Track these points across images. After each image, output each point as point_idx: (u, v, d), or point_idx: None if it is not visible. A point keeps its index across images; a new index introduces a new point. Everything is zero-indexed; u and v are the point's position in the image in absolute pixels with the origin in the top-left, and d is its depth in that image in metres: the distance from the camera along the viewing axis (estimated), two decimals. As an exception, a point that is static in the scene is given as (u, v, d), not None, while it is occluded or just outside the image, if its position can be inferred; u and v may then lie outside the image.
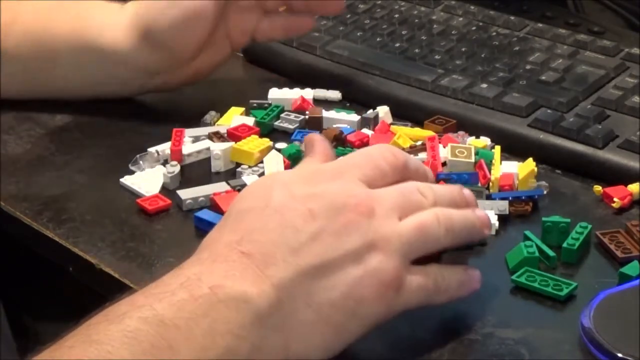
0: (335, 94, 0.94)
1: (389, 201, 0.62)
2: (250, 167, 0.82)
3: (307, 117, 0.89)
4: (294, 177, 0.64)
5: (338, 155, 0.82)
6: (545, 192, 0.79)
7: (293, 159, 0.82)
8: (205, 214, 0.76)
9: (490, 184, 0.79)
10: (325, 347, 0.59)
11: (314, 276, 0.59)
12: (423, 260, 0.63)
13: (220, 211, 0.76)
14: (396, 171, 0.65)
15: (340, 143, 0.84)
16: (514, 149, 0.84)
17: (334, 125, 0.87)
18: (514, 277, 0.69)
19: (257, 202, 0.62)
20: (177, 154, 0.83)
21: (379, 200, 0.62)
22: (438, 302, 0.63)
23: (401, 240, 0.61)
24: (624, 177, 0.79)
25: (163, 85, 0.93)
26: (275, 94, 0.93)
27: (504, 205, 0.76)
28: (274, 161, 0.81)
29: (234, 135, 0.86)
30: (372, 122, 0.87)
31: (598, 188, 0.79)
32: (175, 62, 0.90)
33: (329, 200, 0.61)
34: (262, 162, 0.82)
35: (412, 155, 0.69)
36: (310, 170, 0.64)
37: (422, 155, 0.82)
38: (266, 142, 0.84)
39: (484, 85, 0.90)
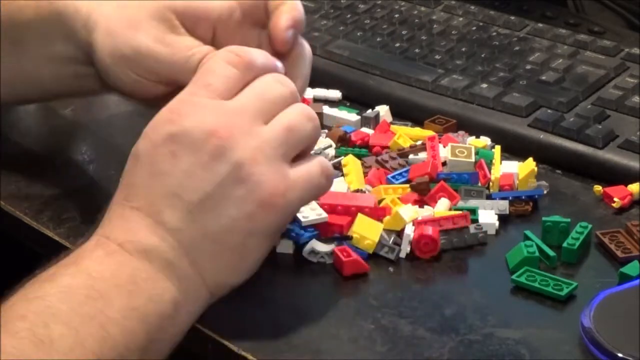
0: (335, 94, 0.94)
1: (248, 110, 0.64)
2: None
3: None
4: (157, 119, 0.64)
5: (340, 155, 0.83)
6: (545, 192, 0.79)
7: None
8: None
9: (490, 183, 0.78)
10: (237, 270, 0.63)
11: (201, 209, 0.61)
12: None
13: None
14: (246, 71, 0.65)
15: (345, 144, 0.84)
16: (514, 149, 0.84)
17: (336, 125, 0.87)
18: (514, 277, 0.69)
19: (130, 163, 0.64)
20: (177, 154, 0.83)
21: (238, 115, 0.63)
22: (327, 189, 0.66)
23: (271, 145, 0.63)
24: (624, 177, 0.79)
25: (136, 89, 0.75)
26: (275, 93, 0.93)
27: (504, 205, 0.76)
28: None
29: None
30: (373, 121, 0.87)
31: (598, 188, 0.79)
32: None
33: (188, 137, 0.62)
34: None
35: (256, 49, 0.68)
36: (176, 102, 0.64)
37: (422, 154, 0.82)
38: None
39: (484, 85, 0.90)
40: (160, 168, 0.62)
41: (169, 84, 0.71)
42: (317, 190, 0.66)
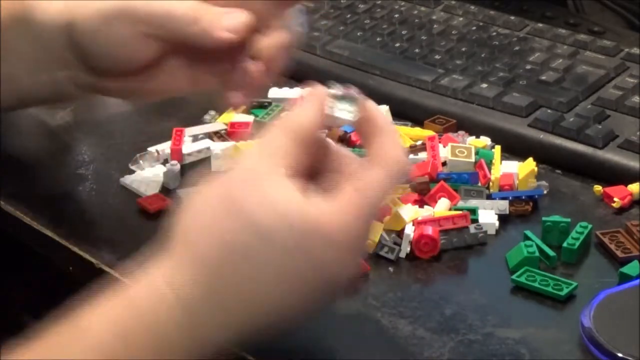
0: (335, 94, 0.93)
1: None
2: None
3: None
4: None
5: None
6: (545, 192, 0.79)
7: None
8: (205, 214, 0.76)
9: (490, 183, 0.78)
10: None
11: None
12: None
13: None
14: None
15: (345, 144, 0.84)
16: (514, 149, 0.84)
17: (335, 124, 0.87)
18: (514, 276, 0.69)
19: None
20: (177, 154, 0.83)
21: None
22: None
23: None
24: (624, 177, 0.79)
25: (110, 88, 0.74)
26: (275, 93, 0.93)
27: (504, 205, 0.76)
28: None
29: (234, 134, 0.86)
30: (372, 122, 0.87)
31: (598, 188, 0.79)
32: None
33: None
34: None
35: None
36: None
37: (422, 155, 0.82)
38: None
39: (484, 85, 0.90)
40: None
41: (167, 40, 0.69)
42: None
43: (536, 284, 0.68)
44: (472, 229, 0.73)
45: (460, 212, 0.74)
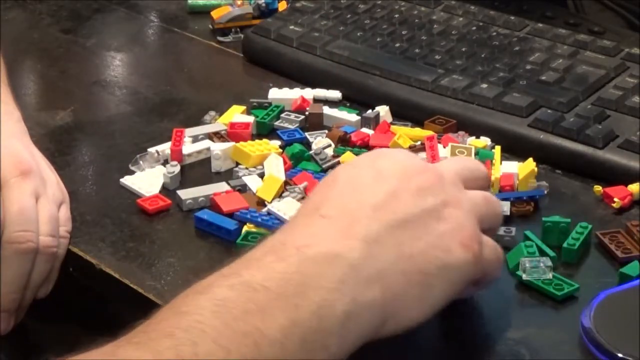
0: (335, 94, 0.94)
1: (454, 170, 0.64)
2: (247, 168, 0.82)
3: (307, 113, 0.89)
4: (360, 157, 0.65)
5: (338, 154, 0.82)
6: (545, 192, 0.79)
7: (295, 159, 0.82)
8: (205, 214, 0.76)
9: (491, 184, 0.78)
10: (418, 305, 0.58)
11: (402, 227, 0.58)
12: None
13: (220, 211, 0.76)
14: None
15: (345, 144, 0.84)
16: (514, 149, 0.84)
17: (336, 125, 0.87)
18: (518, 272, 0.68)
19: (325, 183, 0.62)
20: (177, 154, 0.83)
21: (445, 170, 0.63)
22: (498, 274, 0.64)
23: (472, 202, 0.62)
24: (624, 177, 0.79)
25: None
26: (275, 94, 0.93)
27: (505, 206, 0.76)
28: (274, 164, 0.81)
29: (234, 135, 0.86)
30: (373, 122, 0.87)
31: (598, 188, 0.79)
32: None
33: (398, 166, 0.61)
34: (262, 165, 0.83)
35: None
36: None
37: (422, 155, 0.82)
38: (272, 147, 0.83)
39: (484, 85, 0.90)
40: (364, 185, 0.60)
41: None
42: (499, 264, 0.64)
43: (539, 282, 0.68)
44: (501, 231, 0.73)
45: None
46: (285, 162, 0.82)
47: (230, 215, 0.76)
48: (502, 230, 0.73)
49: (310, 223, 0.58)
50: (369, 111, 0.89)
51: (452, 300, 0.61)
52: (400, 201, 0.59)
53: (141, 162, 0.84)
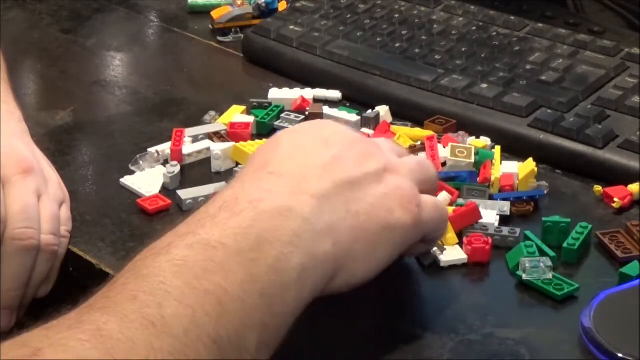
0: (335, 94, 0.94)
1: (387, 145, 0.68)
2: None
3: (307, 113, 0.89)
4: (306, 123, 0.70)
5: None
6: (545, 192, 0.79)
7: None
8: (205, 214, 0.76)
9: (491, 184, 0.79)
10: (365, 263, 0.61)
11: (347, 187, 0.61)
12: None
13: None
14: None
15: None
16: (514, 149, 0.84)
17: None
18: (518, 272, 0.69)
19: (268, 145, 0.64)
20: (177, 154, 0.83)
21: (380, 143, 0.67)
22: (444, 230, 0.69)
23: (407, 167, 0.65)
24: (624, 177, 0.79)
25: None
26: (275, 94, 0.93)
27: (505, 206, 0.76)
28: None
29: (234, 135, 0.86)
30: (373, 122, 0.87)
31: (598, 188, 0.79)
32: None
33: (342, 135, 0.64)
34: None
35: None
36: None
37: (422, 155, 0.82)
38: None
39: (484, 85, 0.90)
40: (310, 148, 0.63)
41: None
42: (442, 220, 0.68)
43: (539, 282, 0.68)
44: (505, 231, 0.73)
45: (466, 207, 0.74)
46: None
47: (230, 215, 0.76)
48: (506, 231, 0.73)
49: (260, 179, 0.60)
50: (369, 111, 0.89)
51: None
52: (345, 164, 0.62)
53: (141, 162, 0.84)
